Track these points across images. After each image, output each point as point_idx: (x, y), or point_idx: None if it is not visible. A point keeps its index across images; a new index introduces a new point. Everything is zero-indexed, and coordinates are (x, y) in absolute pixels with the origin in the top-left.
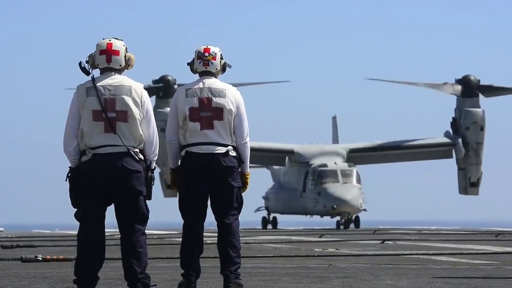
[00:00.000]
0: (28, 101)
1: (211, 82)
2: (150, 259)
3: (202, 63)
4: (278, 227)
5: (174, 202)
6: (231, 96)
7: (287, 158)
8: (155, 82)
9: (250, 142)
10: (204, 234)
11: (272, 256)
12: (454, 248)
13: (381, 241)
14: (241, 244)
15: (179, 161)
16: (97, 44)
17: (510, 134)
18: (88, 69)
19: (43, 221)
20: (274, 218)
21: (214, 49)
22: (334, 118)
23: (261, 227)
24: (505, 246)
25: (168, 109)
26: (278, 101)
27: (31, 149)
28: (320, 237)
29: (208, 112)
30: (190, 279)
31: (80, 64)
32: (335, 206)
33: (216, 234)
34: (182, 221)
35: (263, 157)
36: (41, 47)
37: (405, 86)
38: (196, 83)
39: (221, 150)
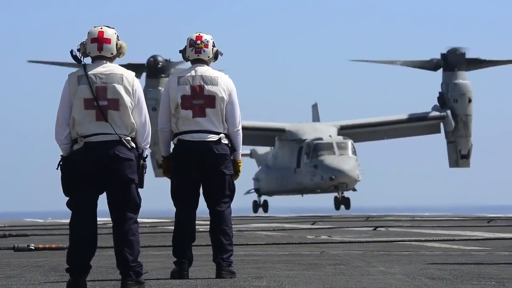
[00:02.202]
0: (21, 87)
1: (203, 69)
2: (143, 247)
3: (194, 51)
4: (269, 211)
5: (166, 189)
6: (223, 84)
7: (276, 138)
8: (147, 61)
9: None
10: (197, 222)
11: (265, 244)
12: (446, 234)
13: (373, 228)
14: (234, 231)
15: (171, 149)
16: (88, 32)
17: (494, 106)
18: (79, 57)
19: (35, 209)
20: (265, 201)
21: (206, 37)
22: (314, 106)
23: (251, 211)
24: (496, 232)
25: (159, 88)
26: (262, 82)
27: (22, 136)
28: (312, 224)
29: (200, 100)
30: (182, 267)
31: (71, 52)
32: (333, 177)
33: (208, 222)
34: (174, 209)
35: (253, 136)
36: (43, 34)
37: (389, 65)
38: (188, 71)
39: (213, 137)
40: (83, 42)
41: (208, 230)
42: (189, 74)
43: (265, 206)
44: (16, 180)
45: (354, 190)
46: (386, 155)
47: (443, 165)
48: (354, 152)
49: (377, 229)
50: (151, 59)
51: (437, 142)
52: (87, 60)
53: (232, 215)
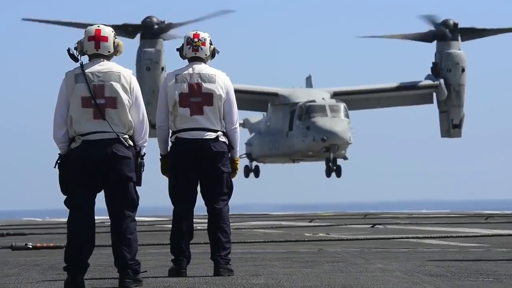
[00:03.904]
0: (19, 86)
1: (200, 67)
2: (141, 246)
3: (192, 49)
4: (266, 210)
5: (164, 186)
6: (220, 81)
7: (269, 103)
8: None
9: (234, 84)
10: (194, 220)
11: (263, 241)
12: (444, 231)
13: (371, 225)
14: (232, 229)
15: (169, 147)
16: (85, 31)
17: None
18: (76, 55)
19: (33, 207)
20: (257, 166)
21: (203, 35)
22: (308, 78)
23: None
24: (494, 229)
25: (152, 49)
26: (256, 52)
27: (20, 135)
28: (310, 222)
29: (198, 97)
30: (180, 265)
31: (68, 50)
32: (325, 138)
33: (206, 220)
34: (172, 207)
35: (247, 100)
36: (40, 33)
37: (388, 39)
38: (186, 68)
39: (211, 135)
40: (80, 40)
41: (206, 228)
42: (186, 72)
43: (256, 171)
44: (13, 178)
45: (345, 158)
46: (377, 126)
47: (435, 135)
48: (347, 115)
49: (375, 226)
50: (147, 19)
51: (431, 115)
52: (85, 59)
53: (230, 213)
